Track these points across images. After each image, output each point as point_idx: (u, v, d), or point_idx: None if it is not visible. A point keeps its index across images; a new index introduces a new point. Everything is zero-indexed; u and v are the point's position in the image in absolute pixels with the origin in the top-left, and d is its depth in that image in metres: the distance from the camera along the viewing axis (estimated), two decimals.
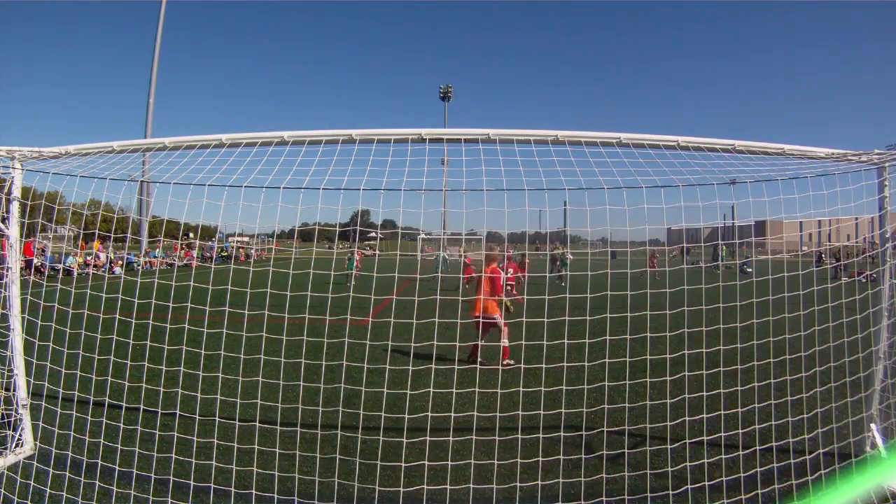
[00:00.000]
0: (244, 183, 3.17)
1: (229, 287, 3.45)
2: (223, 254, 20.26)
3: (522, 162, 3.15)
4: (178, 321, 3.60)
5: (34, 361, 3.69)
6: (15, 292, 3.62)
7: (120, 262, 19.98)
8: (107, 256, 18.22)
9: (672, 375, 3.39)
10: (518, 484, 3.05)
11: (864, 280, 4.27)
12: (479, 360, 5.94)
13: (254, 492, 3.14)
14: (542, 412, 3.39)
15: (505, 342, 5.90)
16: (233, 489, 3.05)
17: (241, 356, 3.83)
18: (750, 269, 15.17)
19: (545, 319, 3.05)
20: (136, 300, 3.61)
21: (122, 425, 3.36)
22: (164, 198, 3.59)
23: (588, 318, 3.16)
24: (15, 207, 3.64)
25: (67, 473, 3.15)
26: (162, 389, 3.69)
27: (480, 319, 6.22)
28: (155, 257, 20.81)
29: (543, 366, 3.15)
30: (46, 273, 14.93)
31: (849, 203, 3.54)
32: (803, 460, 3.22)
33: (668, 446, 3.58)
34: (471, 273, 12.81)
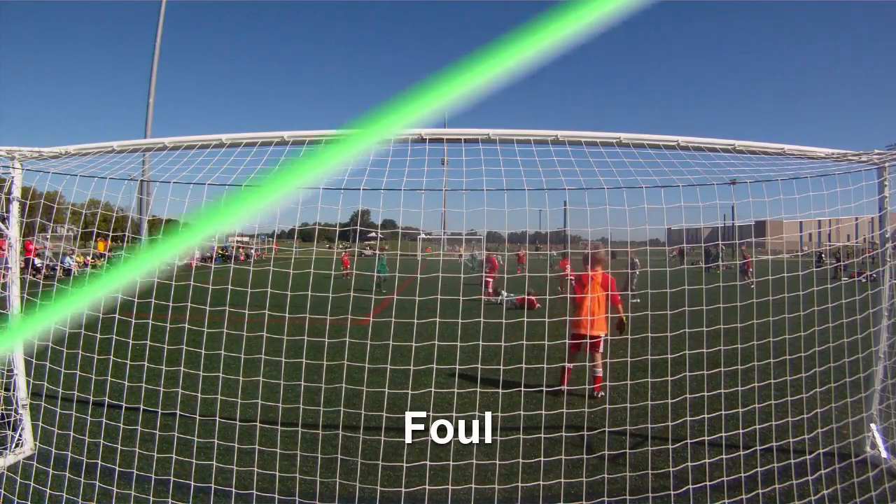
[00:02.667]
0: (244, 183, 3.16)
1: (229, 287, 3.44)
2: (224, 253, 20.24)
3: (522, 162, 3.15)
4: (178, 321, 3.60)
5: (33, 361, 3.68)
6: (15, 292, 3.61)
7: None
8: (105, 256, 18.19)
9: (673, 375, 3.39)
10: (519, 484, 3.05)
11: (864, 280, 4.28)
12: (566, 385, 4.76)
13: (254, 492, 3.13)
14: (543, 412, 3.39)
15: (599, 370, 4.86)
16: (233, 489, 3.04)
17: (242, 356, 3.83)
18: (750, 270, 15.16)
19: (546, 319, 3.05)
20: (135, 300, 3.60)
21: (121, 425, 3.36)
22: (163, 197, 3.59)
23: (589, 317, 3.16)
24: (15, 207, 3.63)
25: (67, 474, 3.14)
26: (162, 389, 3.69)
27: (588, 339, 4.74)
28: None
29: (545, 366, 3.15)
30: (44, 273, 14.90)
31: (849, 203, 3.55)
32: (803, 460, 3.22)
33: (670, 446, 3.58)
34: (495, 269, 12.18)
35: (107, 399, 3.58)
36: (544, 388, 3.18)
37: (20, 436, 3.63)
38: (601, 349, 4.93)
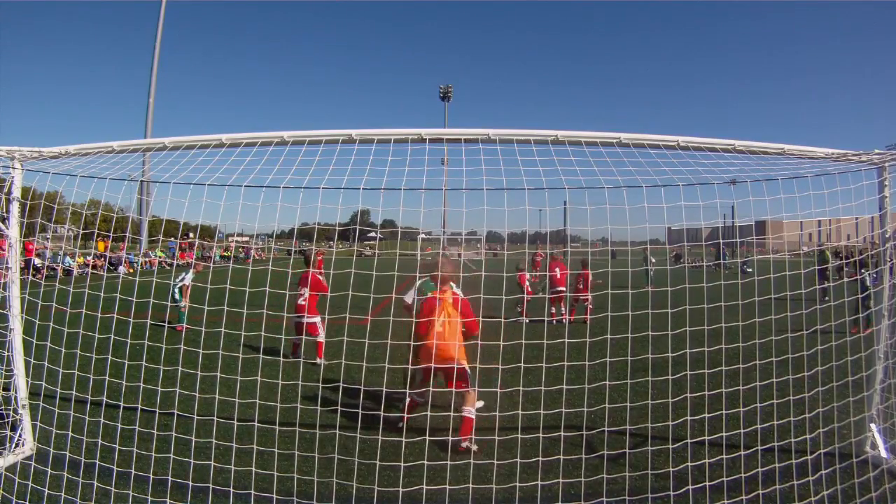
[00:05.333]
0: (244, 183, 3.16)
1: (228, 286, 3.44)
2: (225, 253, 20.27)
3: (522, 162, 3.15)
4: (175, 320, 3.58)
5: (32, 361, 3.68)
6: (15, 292, 3.61)
7: (128, 262, 20.05)
8: (105, 257, 18.23)
9: (673, 375, 3.38)
10: (518, 484, 3.04)
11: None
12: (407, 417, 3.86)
13: (252, 492, 3.13)
14: (542, 412, 3.38)
15: (470, 410, 3.90)
16: (231, 489, 3.04)
17: (240, 356, 3.83)
18: (750, 269, 15.15)
19: (545, 318, 3.05)
20: (134, 299, 3.60)
21: (120, 425, 3.35)
22: (163, 197, 3.59)
23: (589, 317, 3.16)
24: (15, 207, 3.63)
25: (66, 474, 3.14)
26: (160, 389, 3.68)
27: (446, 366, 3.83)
28: (154, 257, 20.79)
29: (543, 365, 3.14)
30: (45, 273, 14.93)
31: (849, 203, 3.54)
32: (804, 460, 3.21)
33: (670, 446, 3.57)
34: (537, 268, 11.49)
35: (104, 399, 3.58)
36: (543, 388, 3.17)
37: (20, 436, 3.62)
38: (469, 383, 3.95)
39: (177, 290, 8.46)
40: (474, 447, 3.82)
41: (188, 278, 8.71)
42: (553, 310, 10.59)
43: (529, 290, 10.84)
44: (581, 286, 10.23)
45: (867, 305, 7.23)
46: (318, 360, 6.38)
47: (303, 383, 3.54)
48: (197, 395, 3.39)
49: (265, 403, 3.62)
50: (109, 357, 3.38)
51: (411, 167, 3.17)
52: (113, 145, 3.48)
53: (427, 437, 3.13)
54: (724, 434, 3.73)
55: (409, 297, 4.58)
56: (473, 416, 3.91)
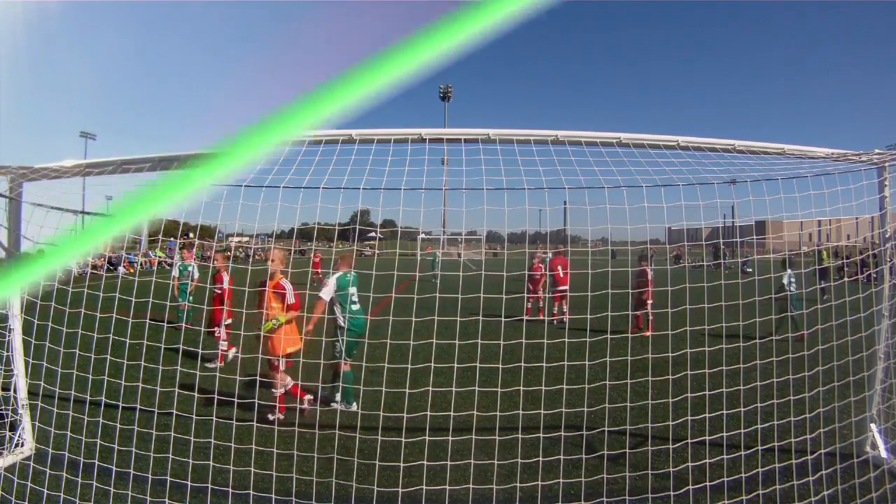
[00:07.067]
0: (244, 183, 3.16)
1: (227, 286, 3.43)
2: (225, 253, 20.24)
3: (522, 162, 3.15)
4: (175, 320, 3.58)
5: (32, 361, 3.68)
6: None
7: (128, 262, 20.05)
8: (105, 257, 18.22)
9: (673, 375, 3.37)
10: (518, 484, 3.04)
11: (867, 281, 4.26)
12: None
13: (251, 492, 3.12)
14: (542, 412, 3.38)
15: (280, 389, 4.38)
16: (230, 489, 3.03)
17: (240, 355, 3.82)
18: (750, 269, 15.15)
19: (545, 318, 3.04)
20: (133, 299, 3.59)
21: (119, 425, 3.35)
22: None
23: (589, 316, 3.16)
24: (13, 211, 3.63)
25: (65, 474, 3.13)
26: (159, 389, 3.68)
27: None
28: (154, 256, 20.77)
29: (544, 365, 3.14)
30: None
31: (849, 202, 3.54)
32: (804, 460, 3.21)
33: (670, 446, 3.56)
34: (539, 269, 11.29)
35: (103, 399, 3.57)
36: (543, 388, 3.17)
37: (20, 436, 3.62)
38: (278, 366, 4.23)
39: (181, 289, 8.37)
40: (278, 416, 4.28)
41: (175, 271, 8.59)
42: (555, 309, 10.56)
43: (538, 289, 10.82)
44: (642, 286, 7.14)
45: (791, 317, 5.59)
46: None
47: (302, 383, 3.54)
48: (196, 394, 3.38)
49: (264, 403, 3.62)
50: (109, 357, 3.38)
51: (411, 167, 3.16)
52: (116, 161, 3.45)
53: (427, 438, 3.13)
54: (724, 434, 3.72)
55: (326, 294, 4.63)
56: (278, 394, 4.38)
